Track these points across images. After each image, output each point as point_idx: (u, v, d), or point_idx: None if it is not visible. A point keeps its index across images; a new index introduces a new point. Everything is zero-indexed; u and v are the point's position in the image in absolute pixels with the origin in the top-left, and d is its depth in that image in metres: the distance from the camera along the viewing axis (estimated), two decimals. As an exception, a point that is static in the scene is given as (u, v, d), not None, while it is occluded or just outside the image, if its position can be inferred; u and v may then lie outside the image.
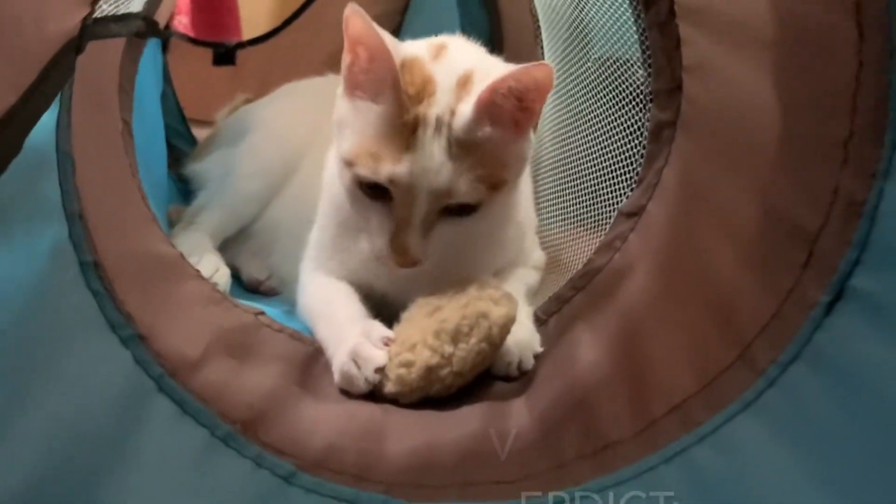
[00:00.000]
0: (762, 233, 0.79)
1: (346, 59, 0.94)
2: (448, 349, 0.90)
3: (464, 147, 0.89)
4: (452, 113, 0.90)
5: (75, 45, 0.77)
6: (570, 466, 0.78)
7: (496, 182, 0.92)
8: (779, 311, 0.73)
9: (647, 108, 1.08)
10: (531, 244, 1.23)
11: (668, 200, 0.95)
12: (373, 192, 0.92)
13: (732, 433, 0.72)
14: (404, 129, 0.89)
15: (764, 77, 0.79)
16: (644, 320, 0.89)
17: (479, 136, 0.89)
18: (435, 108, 0.90)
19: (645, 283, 0.92)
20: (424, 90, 0.91)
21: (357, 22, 0.90)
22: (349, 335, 0.94)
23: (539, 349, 0.98)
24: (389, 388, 0.90)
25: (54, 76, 0.74)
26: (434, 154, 0.89)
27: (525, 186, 1.15)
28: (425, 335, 0.91)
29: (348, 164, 0.93)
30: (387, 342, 0.93)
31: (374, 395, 0.91)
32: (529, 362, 0.96)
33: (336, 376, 0.92)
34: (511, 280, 1.09)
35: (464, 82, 0.92)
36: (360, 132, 0.93)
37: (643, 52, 1.07)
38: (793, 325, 0.71)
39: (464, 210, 0.92)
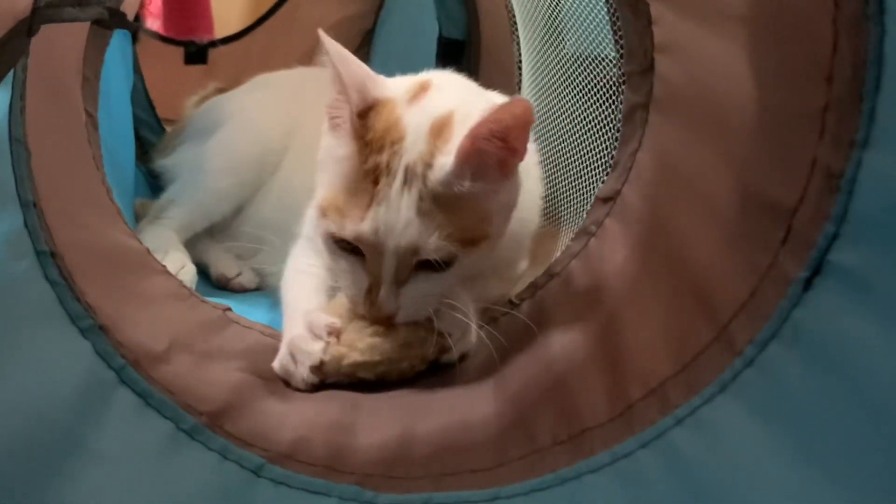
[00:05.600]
0: (739, 210, 0.77)
1: (331, 90, 0.90)
2: (421, 332, 0.90)
3: (439, 202, 0.85)
4: (428, 165, 0.85)
5: (26, 27, 0.74)
6: (546, 452, 0.77)
7: (474, 238, 0.87)
8: (756, 289, 0.72)
9: (622, 98, 1.06)
10: (522, 257, 1.17)
11: (643, 183, 0.94)
12: (345, 245, 0.89)
13: (710, 415, 0.71)
14: (366, 180, 0.86)
15: (737, 51, 0.78)
16: (620, 303, 0.88)
17: (458, 191, 0.84)
18: (404, 158, 0.85)
19: (621, 266, 0.91)
20: (387, 137, 0.86)
21: (330, 51, 0.86)
22: (295, 326, 0.92)
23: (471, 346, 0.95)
24: (355, 357, 0.88)
25: (3, 57, 0.72)
26: (401, 209, 0.84)
27: (530, 186, 1.10)
28: None
29: (321, 214, 0.89)
30: (331, 331, 0.90)
31: (341, 385, 0.90)
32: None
33: (276, 369, 0.90)
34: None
35: (440, 129, 0.87)
36: (330, 179, 0.90)
37: (614, 33, 1.05)
38: (771, 303, 0.69)
39: (438, 264, 0.87)
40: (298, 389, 0.89)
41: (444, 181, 0.84)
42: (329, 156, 0.91)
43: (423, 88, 0.93)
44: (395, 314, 0.89)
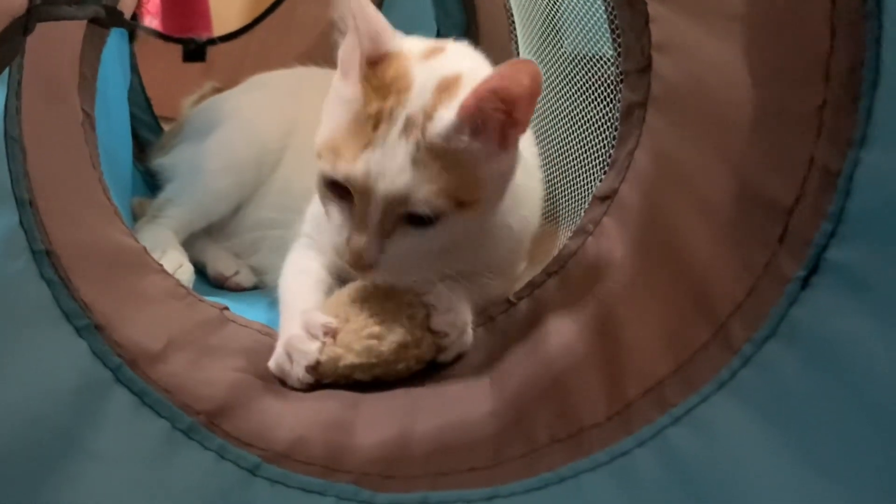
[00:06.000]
0: (737, 209, 0.77)
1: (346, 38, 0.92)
2: (418, 333, 0.90)
3: (434, 155, 0.84)
4: (429, 116, 0.85)
5: (22, 25, 0.74)
6: (544, 451, 0.76)
7: (466, 200, 0.87)
8: (754, 287, 0.72)
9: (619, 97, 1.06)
10: (522, 257, 1.16)
11: (640, 181, 0.94)
12: (337, 188, 0.88)
13: (708, 414, 0.71)
14: (367, 124, 0.86)
15: (735, 50, 0.78)
16: (618, 302, 0.87)
17: (455, 146, 0.84)
18: (407, 107, 0.85)
19: (619, 264, 0.91)
20: (395, 84, 0.87)
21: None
22: (291, 325, 0.92)
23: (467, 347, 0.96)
24: (351, 359, 0.88)
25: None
26: (397, 156, 0.84)
27: (532, 184, 1.11)
28: (394, 315, 0.90)
29: (317, 156, 0.90)
30: (327, 331, 0.90)
31: (338, 384, 0.89)
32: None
33: (272, 368, 0.90)
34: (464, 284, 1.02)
35: (447, 86, 0.87)
36: (330, 122, 0.90)
37: (612, 31, 1.05)
38: (768, 302, 0.69)
39: (426, 220, 0.87)
40: (294, 389, 0.88)
41: (443, 134, 0.84)
42: (337, 98, 0.92)
43: (437, 50, 0.94)
44: (375, 265, 0.88)
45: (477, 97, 0.83)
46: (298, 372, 0.88)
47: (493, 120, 0.85)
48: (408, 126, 0.85)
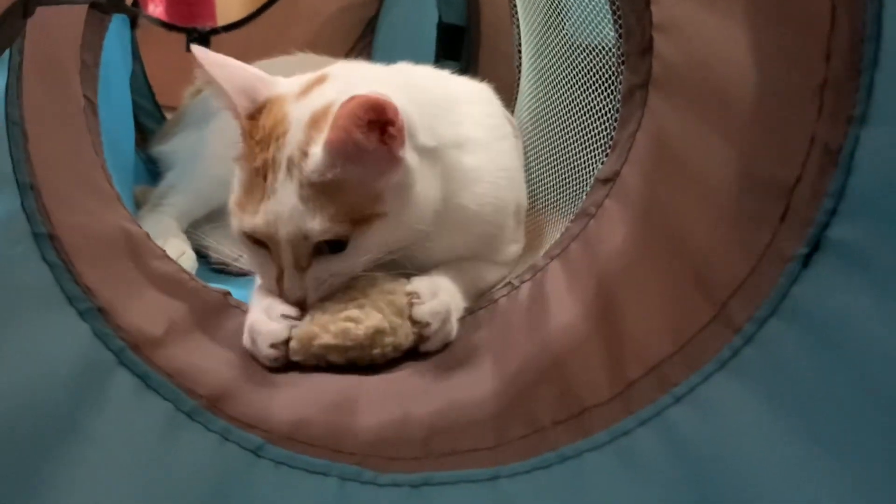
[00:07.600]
0: (738, 188, 0.77)
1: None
2: (396, 320, 0.90)
3: (317, 188, 0.85)
4: (304, 154, 0.85)
5: (21, 8, 0.74)
6: (547, 432, 0.77)
7: (365, 217, 0.88)
8: (755, 266, 0.72)
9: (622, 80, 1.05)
10: (506, 237, 1.15)
11: (642, 163, 0.93)
12: (254, 239, 0.90)
13: (709, 393, 0.71)
14: (258, 177, 0.88)
15: (736, 29, 0.78)
16: (620, 283, 0.87)
17: (332, 177, 0.84)
18: (286, 150, 0.86)
19: (621, 246, 0.90)
20: (274, 132, 0.88)
21: (203, 62, 0.88)
22: (253, 311, 0.93)
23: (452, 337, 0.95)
24: (327, 339, 0.88)
25: (-1, 38, 0.72)
26: (286, 198, 0.86)
27: (500, 162, 1.10)
28: (374, 300, 0.91)
29: (230, 213, 0.92)
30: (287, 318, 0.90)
31: (342, 368, 0.89)
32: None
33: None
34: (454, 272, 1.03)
35: (317, 119, 0.87)
36: (237, 179, 0.92)
37: (613, 13, 1.05)
38: (769, 281, 0.70)
39: (336, 246, 0.88)
40: (270, 369, 0.89)
41: (317, 170, 0.84)
42: (240, 159, 0.93)
43: (318, 81, 0.94)
44: (304, 298, 0.91)
45: (337, 129, 0.82)
46: (263, 351, 0.88)
47: (363, 142, 0.84)
48: (289, 167, 0.86)
